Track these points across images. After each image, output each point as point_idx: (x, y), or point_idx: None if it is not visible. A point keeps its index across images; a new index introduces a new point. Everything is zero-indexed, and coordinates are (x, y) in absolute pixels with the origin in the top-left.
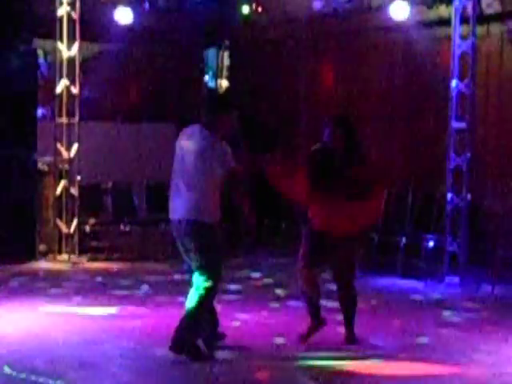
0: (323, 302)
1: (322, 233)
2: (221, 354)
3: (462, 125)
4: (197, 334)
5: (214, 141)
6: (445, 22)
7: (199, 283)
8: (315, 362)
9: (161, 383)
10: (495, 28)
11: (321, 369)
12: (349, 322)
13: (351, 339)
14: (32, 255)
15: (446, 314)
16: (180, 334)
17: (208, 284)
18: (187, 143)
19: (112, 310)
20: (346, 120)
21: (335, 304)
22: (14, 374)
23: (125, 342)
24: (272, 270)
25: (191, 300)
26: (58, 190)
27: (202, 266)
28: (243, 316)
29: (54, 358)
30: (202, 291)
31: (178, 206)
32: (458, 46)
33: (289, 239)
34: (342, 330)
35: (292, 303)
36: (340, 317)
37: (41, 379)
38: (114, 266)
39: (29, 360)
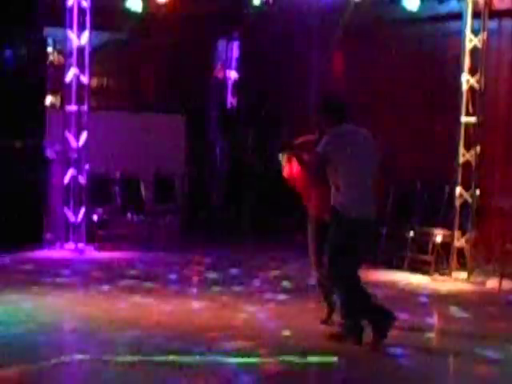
0: None
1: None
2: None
3: (472, 120)
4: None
5: None
6: (456, 16)
7: None
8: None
9: (168, 372)
10: (507, 23)
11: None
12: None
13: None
14: (39, 243)
15: (453, 309)
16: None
17: None
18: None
19: (118, 299)
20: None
21: None
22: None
23: (131, 332)
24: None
25: None
26: (66, 179)
27: None
28: (251, 308)
29: (59, 346)
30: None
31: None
32: (469, 41)
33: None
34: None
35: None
36: None
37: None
38: (121, 255)
39: (35, 348)
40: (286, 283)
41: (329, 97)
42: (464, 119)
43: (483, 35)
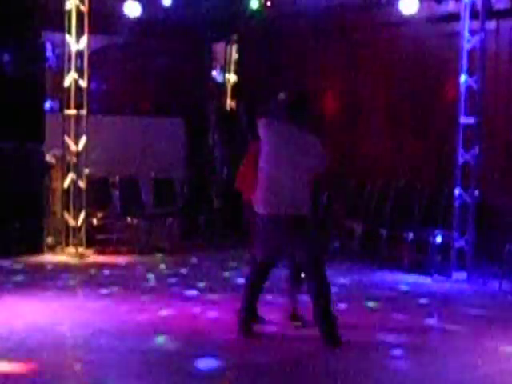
0: None
1: None
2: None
3: (471, 120)
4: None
5: None
6: (454, 17)
7: None
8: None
9: (170, 375)
10: (505, 23)
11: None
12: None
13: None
14: (39, 248)
15: (453, 309)
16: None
17: None
18: None
19: (119, 302)
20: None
21: None
22: None
23: (131, 335)
24: None
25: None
26: (66, 183)
27: None
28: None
29: (60, 350)
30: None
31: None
32: (468, 42)
33: None
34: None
35: None
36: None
37: (48, 371)
38: (121, 259)
39: (36, 352)
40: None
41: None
42: (463, 120)
43: (481, 36)
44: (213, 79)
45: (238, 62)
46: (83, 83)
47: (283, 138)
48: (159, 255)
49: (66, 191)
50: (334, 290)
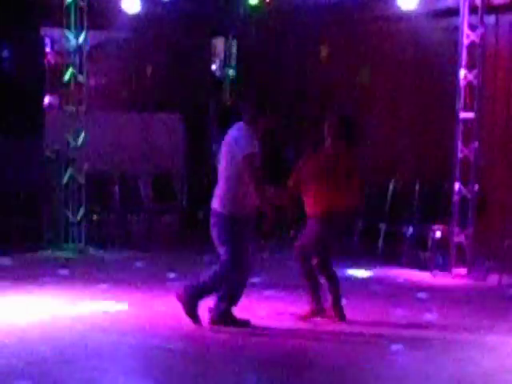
0: None
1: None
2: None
3: (470, 115)
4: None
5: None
6: (453, 12)
7: None
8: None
9: (170, 372)
10: (504, 18)
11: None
12: (336, 301)
13: (342, 316)
14: (39, 244)
15: (453, 304)
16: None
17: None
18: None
19: (118, 298)
20: (349, 120)
21: None
22: None
23: (132, 331)
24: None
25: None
26: (65, 179)
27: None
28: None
29: (61, 346)
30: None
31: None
32: (467, 36)
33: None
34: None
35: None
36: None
37: (47, 367)
38: (120, 254)
39: (36, 348)
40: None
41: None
42: (462, 115)
43: (480, 30)
44: (212, 74)
45: (238, 58)
46: (82, 79)
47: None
48: (158, 251)
49: (66, 187)
50: None
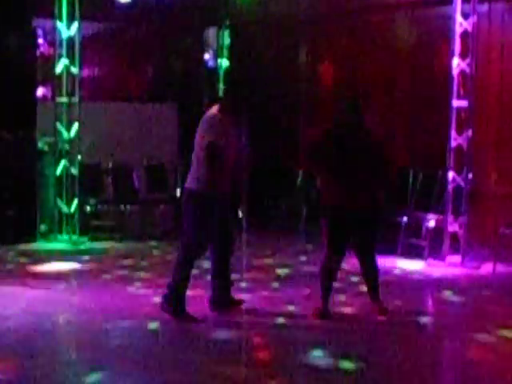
0: None
1: (341, 212)
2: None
3: (463, 103)
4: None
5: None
6: (446, 0)
7: None
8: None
9: (165, 360)
10: (497, 6)
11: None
12: (378, 295)
13: (384, 311)
14: (33, 235)
15: (447, 293)
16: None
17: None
18: None
19: (113, 289)
20: (358, 101)
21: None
22: None
23: (126, 321)
24: (272, 251)
25: None
26: (59, 170)
27: None
28: (244, 296)
29: (55, 338)
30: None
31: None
32: (460, 25)
33: (288, 220)
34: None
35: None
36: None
37: (43, 357)
38: (114, 245)
39: (29, 340)
40: (280, 271)
41: None
42: (455, 103)
43: (473, 19)
44: (205, 64)
45: (231, 47)
46: (75, 70)
47: None
48: (152, 242)
49: (59, 178)
50: None
